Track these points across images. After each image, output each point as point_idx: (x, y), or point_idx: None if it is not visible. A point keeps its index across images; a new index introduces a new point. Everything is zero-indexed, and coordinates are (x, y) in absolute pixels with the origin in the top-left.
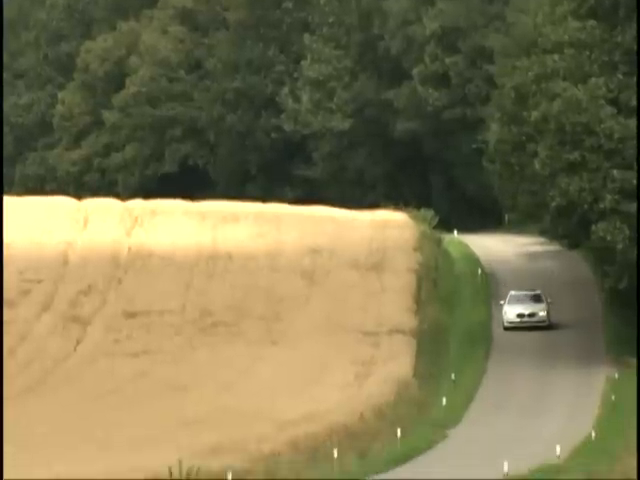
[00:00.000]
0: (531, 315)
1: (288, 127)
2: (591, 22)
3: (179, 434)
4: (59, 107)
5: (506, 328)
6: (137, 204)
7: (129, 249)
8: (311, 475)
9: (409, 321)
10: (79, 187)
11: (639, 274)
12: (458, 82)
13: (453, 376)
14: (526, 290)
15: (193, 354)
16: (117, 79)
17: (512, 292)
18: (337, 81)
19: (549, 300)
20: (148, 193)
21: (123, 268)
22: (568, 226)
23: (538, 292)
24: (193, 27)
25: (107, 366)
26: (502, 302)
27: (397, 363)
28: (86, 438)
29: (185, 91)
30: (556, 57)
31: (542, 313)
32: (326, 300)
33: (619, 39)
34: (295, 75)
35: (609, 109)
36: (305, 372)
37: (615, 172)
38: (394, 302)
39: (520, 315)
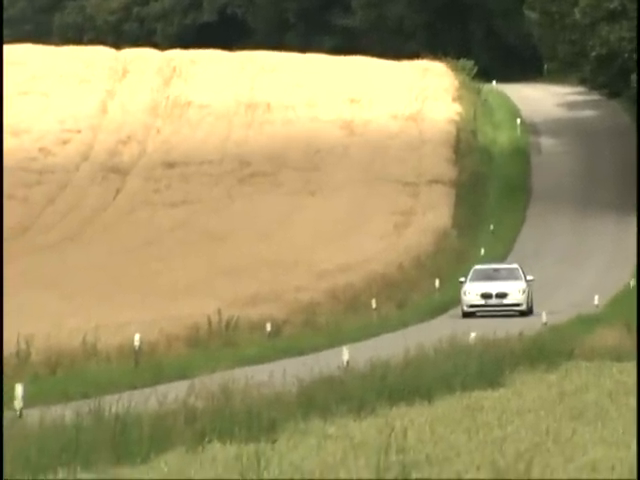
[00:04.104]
0: (501, 296)
1: None
2: None
3: (218, 284)
4: None
5: (465, 314)
6: (176, 54)
7: (167, 99)
8: (350, 325)
9: (448, 171)
10: (118, 36)
11: None
12: None
13: (492, 226)
14: (497, 263)
15: (232, 204)
16: None
17: (476, 266)
18: None
19: (530, 277)
20: (187, 43)
21: (162, 118)
22: (608, 75)
23: (514, 266)
24: None
25: (146, 216)
26: (462, 279)
27: (436, 213)
28: (125, 287)
29: None
30: None
31: (518, 295)
32: (365, 150)
33: None
34: None
35: None
36: (343, 222)
37: None
38: (433, 152)
39: (485, 295)
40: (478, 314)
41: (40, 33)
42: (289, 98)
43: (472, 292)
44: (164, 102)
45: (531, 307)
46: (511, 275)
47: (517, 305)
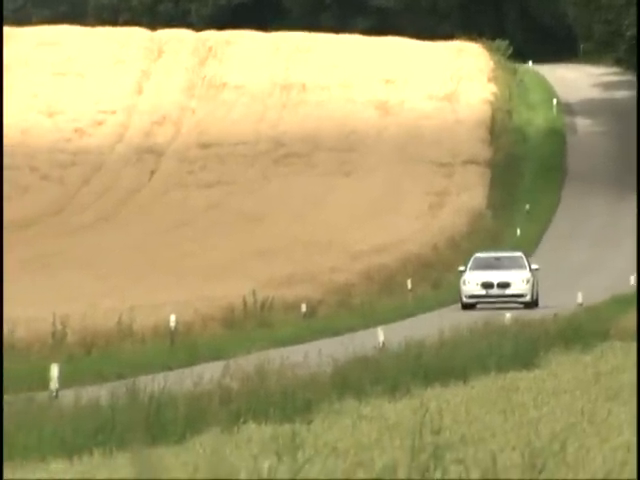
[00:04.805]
0: (503, 285)
1: None
2: None
3: (253, 264)
4: None
5: (465, 305)
6: (211, 34)
7: (203, 79)
8: (384, 305)
9: (483, 152)
10: (153, 17)
11: None
12: None
13: (527, 206)
14: (499, 251)
15: (266, 185)
16: None
17: (477, 254)
18: None
19: (535, 266)
20: (222, 23)
21: (197, 99)
22: None
23: (518, 254)
24: None
25: (181, 197)
26: (461, 268)
27: (471, 194)
28: (160, 268)
29: None
30: None
31: (522, 284)
32: (400, 131)
33: None
34: None
35: None
36: (378, 203)
37: None
38: (468, 133)
39: (486, 285)
40: (478, 306)
41: (75, 14)
42: (324, 79)
43: (472, 281)
44: (199, 83)
45: (536, 298)
46: (514, 264)
47: (521, 296)
